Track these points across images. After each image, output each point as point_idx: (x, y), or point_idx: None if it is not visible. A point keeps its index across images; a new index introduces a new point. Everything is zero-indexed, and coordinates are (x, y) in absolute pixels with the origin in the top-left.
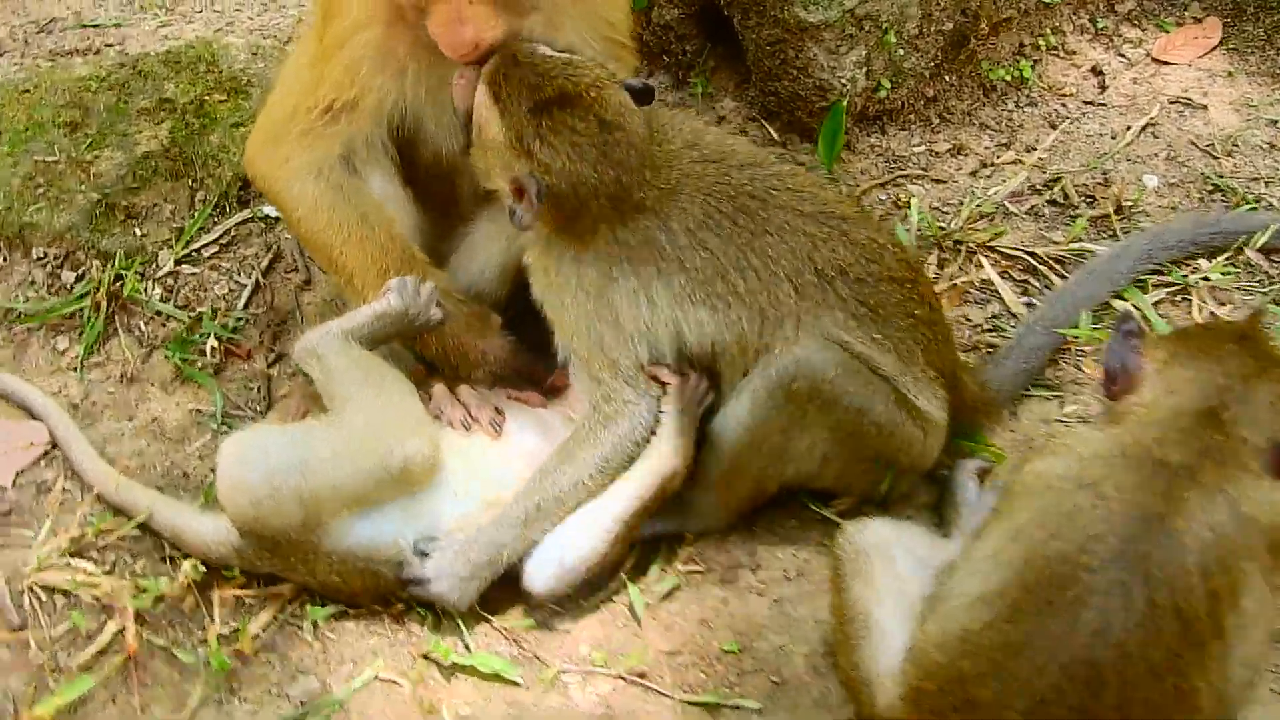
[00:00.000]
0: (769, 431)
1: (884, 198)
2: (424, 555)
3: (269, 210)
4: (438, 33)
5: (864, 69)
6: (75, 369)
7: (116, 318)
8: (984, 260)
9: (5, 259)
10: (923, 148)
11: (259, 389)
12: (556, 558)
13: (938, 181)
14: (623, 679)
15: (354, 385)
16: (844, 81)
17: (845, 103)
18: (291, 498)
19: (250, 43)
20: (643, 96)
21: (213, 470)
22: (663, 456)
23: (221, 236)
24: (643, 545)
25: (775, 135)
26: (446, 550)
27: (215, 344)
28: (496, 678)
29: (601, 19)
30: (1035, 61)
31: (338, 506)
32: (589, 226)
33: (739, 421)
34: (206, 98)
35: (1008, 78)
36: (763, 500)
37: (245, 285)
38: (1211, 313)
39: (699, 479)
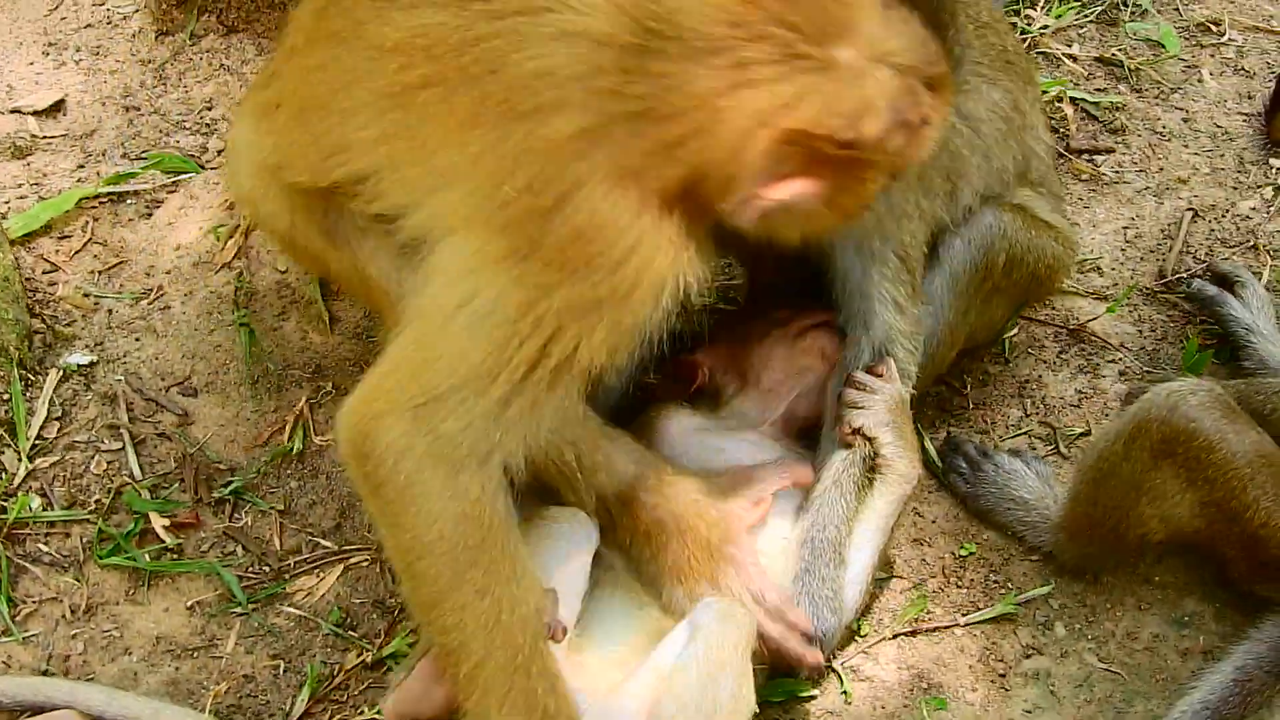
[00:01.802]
0: (966, 314)
1: None
2: None
3: (75, 359)
4: None
5: None
6: (8, 634)
7: (10, 555)
8: None
9: None
10: None
11: (241, 549)
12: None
13: None
14: (900, 637)
15: None
16: None
17: None
18: None
19: None
20: None
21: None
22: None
23: (53, 411)
24: None
25: None
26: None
27: (164, 523)
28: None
29: None
30: None
31: None
32: None
33: (934, 317)
34: None
35: None
36: None
37: (118, 449)
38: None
39: None
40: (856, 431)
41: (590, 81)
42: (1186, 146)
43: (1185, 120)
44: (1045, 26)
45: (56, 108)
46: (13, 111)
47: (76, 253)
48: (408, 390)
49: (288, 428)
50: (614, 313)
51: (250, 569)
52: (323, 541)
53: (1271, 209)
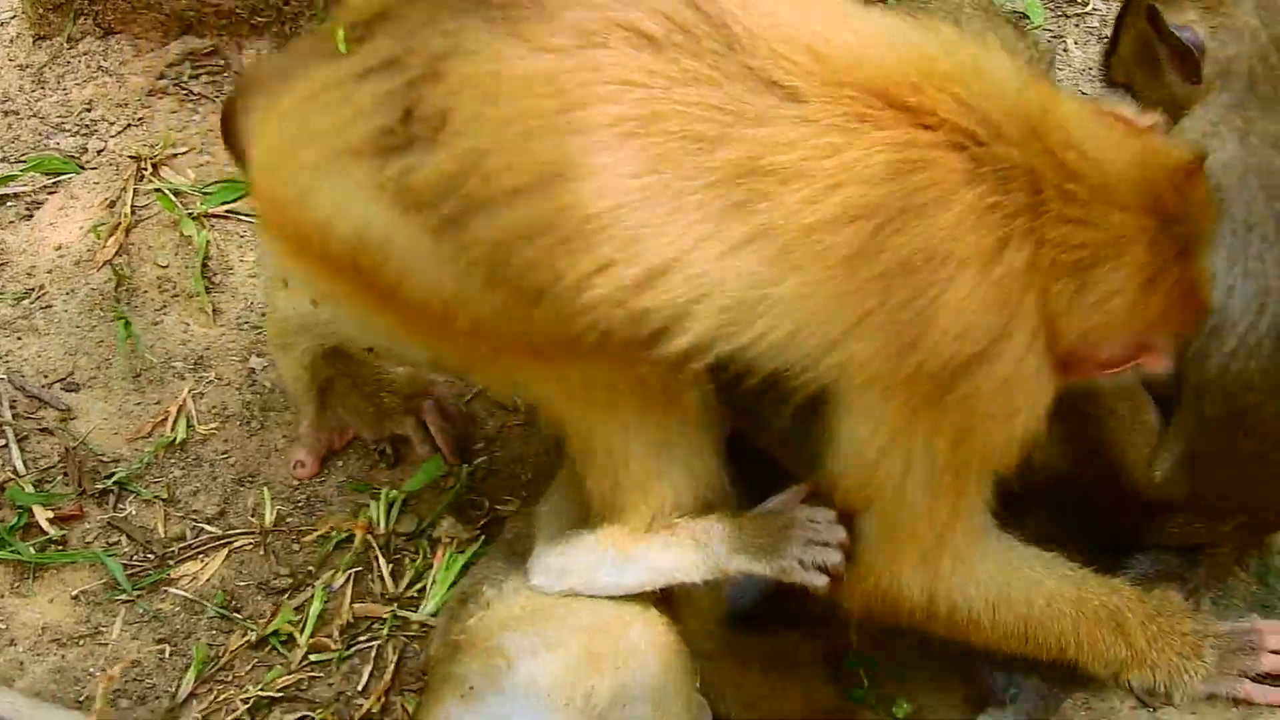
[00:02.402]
0: None
1: None
2: None
3: None
4: None
5: None
6: None
7: None
8: None
9: None
10: None
11: (126, 538)
12: None
13: None
14: None
15: None
16: None
17: None
18: None
19: None
20: None
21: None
22: None
23: None
24: None
25: None
26: None
27: (48, 515)
28: None
29: None
30: None
31: None
32: None
33: None
34: None
35: None
36: None
37: (1, 446)
38: None
39: None
40: None
41: (1029, 220)
42: None
43: None
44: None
45: None
46: None
47: None
48: (907, 556)
49: (170, 419)
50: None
51: (135, 557)
52: (207, 527)
53: None
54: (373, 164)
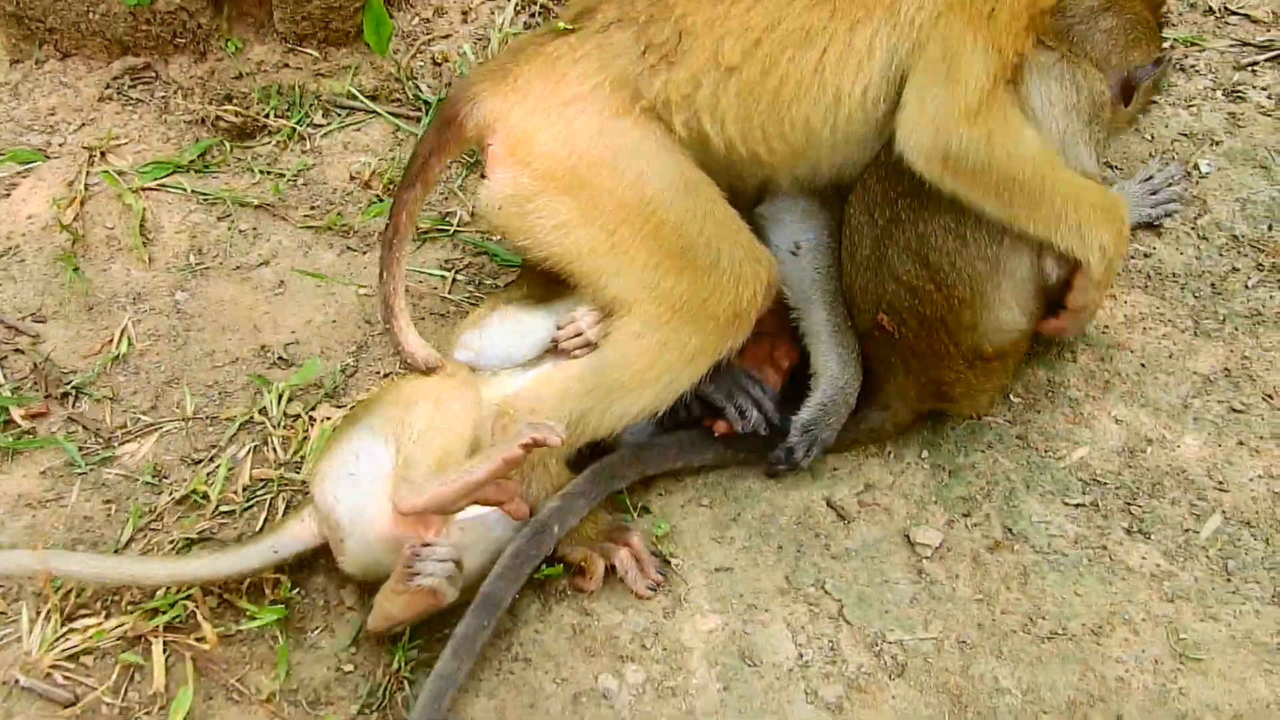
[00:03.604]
0: None
1: (433, 53)
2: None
3: None
4: None
5: None
6: None
7: None
8: None
9: None
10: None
11: (81, 428)
12: None
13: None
14: None
15: None
16: None
17: None
18: None
19: None
20: None
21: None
22: None
23: None
24: None
25: (316, 53)
26: None
27: (21, 413)
28: None
29: None
30: None
31: None
32: None
33: None
34: None
35: None
36: None
37: None
38: None
39: None
40: None
41: None
42: None
43: None
44: None
45: None
46: None
47: None
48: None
49: (115, 339)
50: None
51: (88, 442)
52: (143, 417)
53: None
54: (626, 94)
